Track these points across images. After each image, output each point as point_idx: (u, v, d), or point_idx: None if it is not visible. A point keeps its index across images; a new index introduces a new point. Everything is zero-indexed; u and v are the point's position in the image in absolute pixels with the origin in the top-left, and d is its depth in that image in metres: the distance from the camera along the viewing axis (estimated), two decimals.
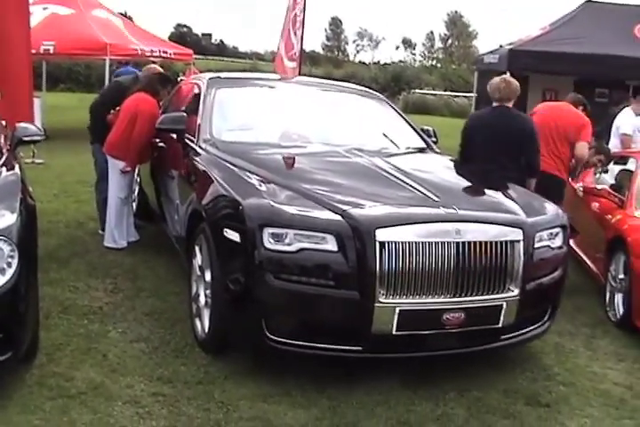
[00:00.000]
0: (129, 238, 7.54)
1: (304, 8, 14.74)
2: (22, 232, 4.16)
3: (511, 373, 5.03)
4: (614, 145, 9.57)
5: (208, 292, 4.82)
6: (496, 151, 6.21)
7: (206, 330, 4.85)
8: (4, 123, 7.32)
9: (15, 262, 3.99)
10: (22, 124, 6.05)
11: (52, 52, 15.47)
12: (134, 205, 8.77)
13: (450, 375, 4.81)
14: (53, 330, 5.13)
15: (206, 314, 4.86)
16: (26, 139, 5.81)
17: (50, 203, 9.16)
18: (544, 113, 7.42)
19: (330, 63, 63.39)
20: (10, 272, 3.96)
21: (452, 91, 40.82)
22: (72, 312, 5.52)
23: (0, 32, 9.86)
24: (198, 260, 5.08)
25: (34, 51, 12.07)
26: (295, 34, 15.27)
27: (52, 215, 8.50)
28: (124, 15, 26.68)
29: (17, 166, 5.16)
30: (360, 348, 4.43)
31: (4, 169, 4.98)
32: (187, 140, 6.18)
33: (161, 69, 8.61)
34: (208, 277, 4.82)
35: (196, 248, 5.12)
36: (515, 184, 5.71)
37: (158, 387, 4.42)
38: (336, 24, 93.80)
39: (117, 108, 7.39)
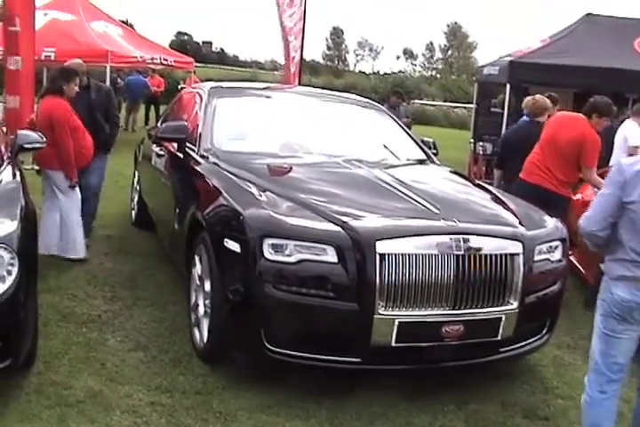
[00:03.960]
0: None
1: (304, 17, 14.84)
2: (22, 240, 4.15)
3: (509, 385, 5.03)
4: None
5: (207, 302, 4.81)
6: None
7: (205, 340, 4.83)
8: (4, 129, 7.35)
9: (15, 270, 3.98)
10: (23, 132, 6.06)
11: (53, 58, 15.47)
12: (133, 213, 8.80)
13: (448, 388, 4.81)
14: (52, 338, 5.12)
15: (205, 324, 4.84)
16: (27, 146, 5.82)
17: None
18: (551, 125, 7.14)
19: (330, 73, 63.45)
20: (10, 280, 3.95)
21: (451, 101, 40.98)
22: (71, 320, 5.52)
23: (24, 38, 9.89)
24: (198, 269, 5.07)
25: (35, 57, 12.13)
26: (288, 43, 15.38)
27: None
28: (125, 23, 26.75)
29: (17, 173, 5.17)
30: (359, 359, 4.42)
31: (4, 176, 4.99)
32: (187, 150, 6.18)
33: (78, 63, 7.71)
34: (207, 286, 4.81)
35: (196, 258, 5.11)
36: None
37: (156, 396, 4.41)
38: (337, 34, 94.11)
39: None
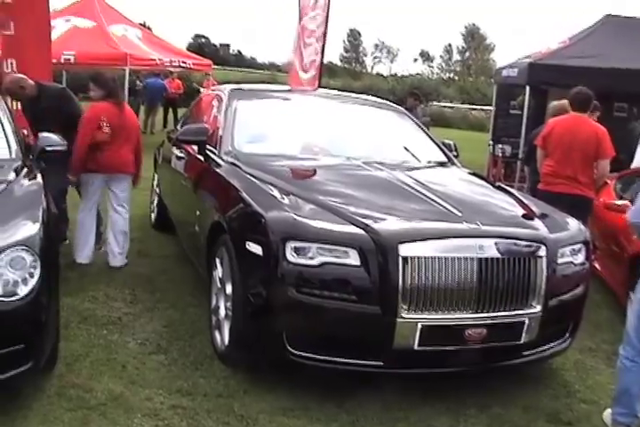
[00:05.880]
0: None
1: (326, 20, 14.69)
2: (44, 242, 4.15)
3: (532, 389, 4.99)
4: None
5: (228, 304, 4.80)
6: None
7: (226, 343, 4.82)
8: (25, 132, 7.36)
9: (37, 273, 3.98)
10: (44, 134, 6.08)
11: (72, 61, 15.54)
12: (152, 216, 8.81)
13: (470, 391, 4.77)
14: (73, 340, 5.13)
15: (226, 326, 4.83)
16: (48, 148, 5.84)
17: (70, 213, 9.14)
18: (557, 132, 7.10)
19: (348, 75, 63.37)
20: (32, 282, 3.94)
21: (469, 104, 40.89)
22: (91, 323, 5.52)
23: (21, 42, 9.96)
24: (219, 272, 5.06)
25: (54, 60, 12.15)
26: (305, 46, 15.20)
27: (71, 224, 8.48)
28: (143, 25, 26.79)
29: (39, 176, 5.18)
30: (381, 363, 4.39)
31: (26, 179, 5.01)
32: (208, 152, 6.17)
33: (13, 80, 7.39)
34: (229, 289, 4.79)
35: (217, 260, 5.10)
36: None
37: (177, 399, 4.40)
38: (354, 36, 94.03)
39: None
